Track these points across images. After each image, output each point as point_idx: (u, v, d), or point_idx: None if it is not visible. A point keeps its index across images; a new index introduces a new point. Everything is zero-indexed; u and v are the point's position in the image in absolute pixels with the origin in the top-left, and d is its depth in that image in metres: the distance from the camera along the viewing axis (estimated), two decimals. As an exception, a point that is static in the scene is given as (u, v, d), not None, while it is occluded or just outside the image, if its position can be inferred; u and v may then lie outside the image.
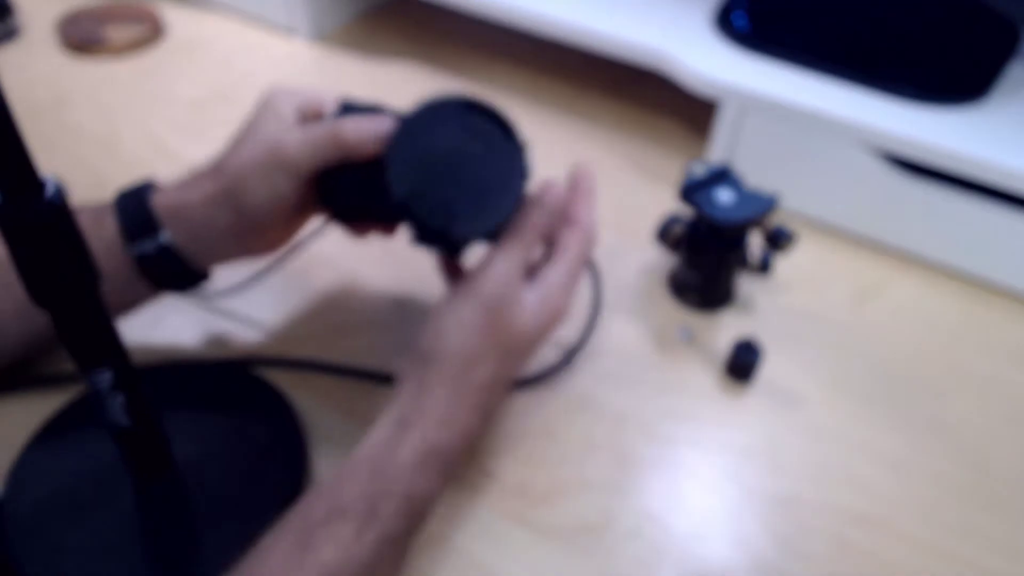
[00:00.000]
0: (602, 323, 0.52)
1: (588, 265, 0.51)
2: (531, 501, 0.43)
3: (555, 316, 0.40)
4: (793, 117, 0.56)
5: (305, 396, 0.47)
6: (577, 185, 0.42)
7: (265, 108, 0.43)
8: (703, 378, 0.49)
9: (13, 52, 0.76)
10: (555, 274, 0.40)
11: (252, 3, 0.81)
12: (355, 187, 0.41)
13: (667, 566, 0.40)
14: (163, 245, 0.42)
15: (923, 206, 0.55)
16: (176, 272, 0.43)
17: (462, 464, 0.41)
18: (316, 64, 0.77)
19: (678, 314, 0.53)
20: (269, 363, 0.48)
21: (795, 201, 0.60)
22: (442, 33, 0.81)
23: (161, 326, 0.51)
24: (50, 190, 0.30)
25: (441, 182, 0.38)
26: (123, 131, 0.67)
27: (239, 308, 0.52)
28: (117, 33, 0.76)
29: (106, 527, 0.40)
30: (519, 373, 0.42)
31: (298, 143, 0.40)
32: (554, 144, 0.68)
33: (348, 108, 0.43)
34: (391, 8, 0.85)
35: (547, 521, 0.42)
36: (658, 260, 0.57)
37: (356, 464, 0.36)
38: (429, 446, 0.36)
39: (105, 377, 0.36)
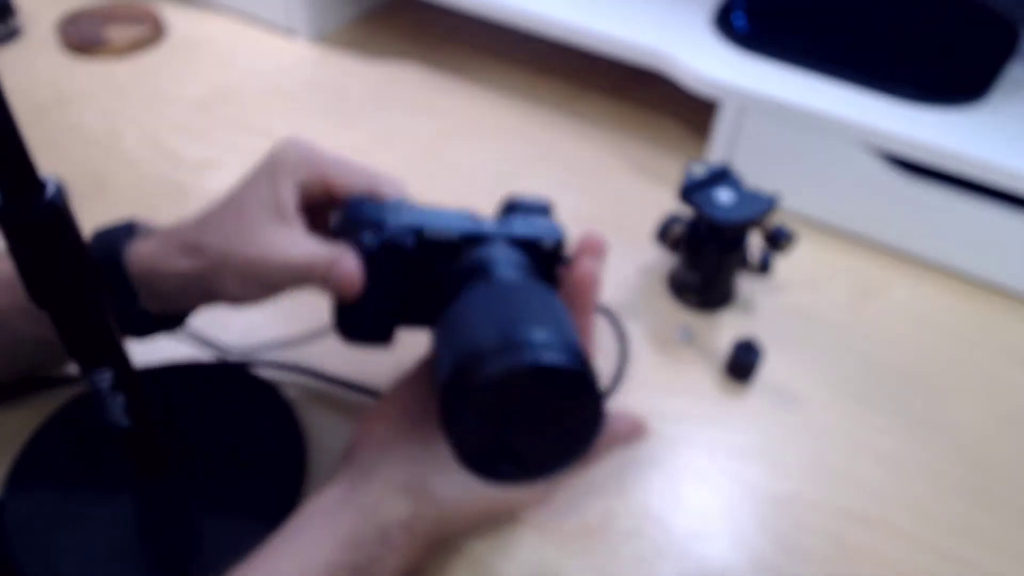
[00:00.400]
0: (602, 323, 0.53)
1: (613, 322, 0.51)
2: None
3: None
4: (793, 117, 0.56)
5: (301, 394, 0.47)
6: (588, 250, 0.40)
7: (266, 175, 0.38)
8: (703, 378, 0.49)
9: (14, 53, 0.76)
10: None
11: (252, 4, 0.81)
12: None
13: (667, 565, 0.40)
14: (140, 310, 0.40)
15: (922, 206, 0.55)
16: (152, 326, 0.42)
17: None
18: (316, 64, 0.77)
19: (678, 314, 0.53)
20: (266, 365, 0.48)
21: (794, 201, 0.60)
22: (442, 33, 0.81)
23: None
24: (50, 190, 0.30)
25: (503, 436, 0.33)
26: (124, 131, 0.67)
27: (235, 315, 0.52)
28: (118, 33, 0.77)
29: (105, 527, 0.40)
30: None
31: (280, 260, 0.37)
32: (554, 145, 0.68)
33: (356, 207, 0.38)
34: (391, 8, 0.85)
35: (546, 520, 0.42)
36: (658, 260, 0.57)
37: (333, 572, 0.34)
38: (406, 567, 0.36)
39: (105, 377, 0.37)
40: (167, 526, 0.41)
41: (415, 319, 0.40)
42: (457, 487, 0.36)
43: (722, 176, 0.50)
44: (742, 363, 0.48)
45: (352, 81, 0.74)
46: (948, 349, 0.52)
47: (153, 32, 0.78)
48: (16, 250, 0.31)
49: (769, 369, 0.50)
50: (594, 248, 0.39)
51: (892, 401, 0.49)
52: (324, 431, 0.45)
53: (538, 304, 0.34)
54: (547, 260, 0.39)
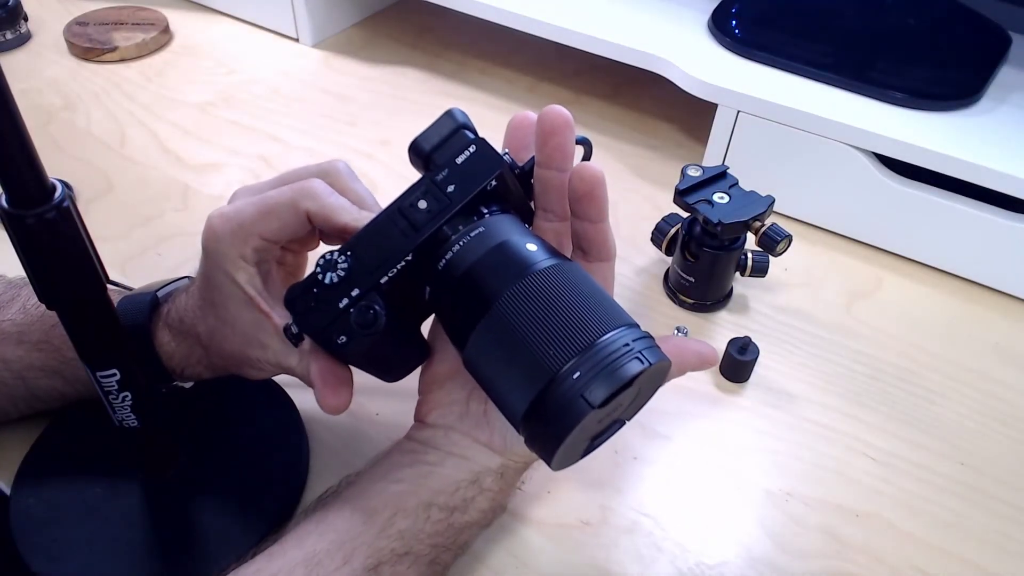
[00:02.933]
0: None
1: None
2: (530, 497, 0.43)
3: None
4: (788, 120, 0.57)
5: (304, 392, 0.47)
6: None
7: (213, 264, 0.36)
8: (699, 377, 0.50)
9: (24, 57, 0.77)
10: None
11: (256, 9, 0.82)
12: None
13: (663, 562, 0.41)
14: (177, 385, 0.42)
15: (915, 208, 0.56)
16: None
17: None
18: (318, 68, 0.78)
19: (675, 315, 0.54)
20: None
21: (790, 203, 0.61)
22: (442, 37, 0.82)
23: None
24: (58, 193, 0.31)
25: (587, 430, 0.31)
26: (130, 134, 0.68)
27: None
28: (125, 38, 0.78)
29: (111, 525, 0.41)
30: None
31: (272, 365, 0.37)
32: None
33: (294, 310, 0.33)
34: (392, 12, 0.86)
35: (545, 517, 0.43)
36: (655, 261, 0.58)
37: (426, 508, 0.36)
38: (496, 508, 0.39)
39: (113, 377, 0.37)
40: (172, 523, 0.42)
41: (412, 342, 0.38)
42: None
43: (719, 178, 0.51)
44: (738, 363, 0.49)
45: (353, 84, 0.75)
46: (940, 349, 0.53)
47: (159, 37, 0.79)
48: (25, 252, 0.32)
49: (764, 368, 0.50)
50: (560, 132, 0.35)
51: (885, 400, 0.49)
52: (327, 430, 0.46)
53: (568, 296, 0.31)
54: (504, 191, 0.35)
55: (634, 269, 0.57)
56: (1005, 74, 0.61)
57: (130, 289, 0.43)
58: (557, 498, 0.43)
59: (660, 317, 0.54)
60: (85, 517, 0.41)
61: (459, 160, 0.35)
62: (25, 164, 0.29)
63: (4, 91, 0.28)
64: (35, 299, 0.34)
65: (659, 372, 0.32)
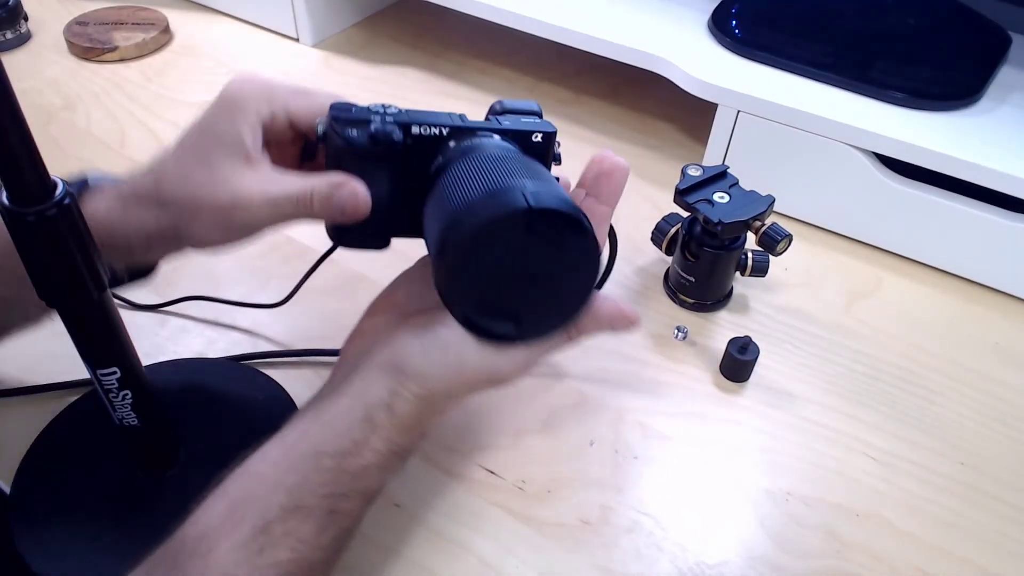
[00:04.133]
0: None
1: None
2: (530, 497, 0.43)
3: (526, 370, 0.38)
4: (788, 120, 0.57)
5: (304, 389, 0.47)
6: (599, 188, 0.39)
7: (226, 116, 0.37)
8: (700, 377, 0.50)
9: (24, 56, 0.77)
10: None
11: (256, 9, 0.82)
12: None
13: (664, 561, 0.41)
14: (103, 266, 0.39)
15: (915, 208, 0.56)
16: (116, 279, 0.40)
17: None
18: (318, 67, 0.78)
19: (675, 314, 0.54)
20: (266, 356, 0.49)
21: (790, 203, 0.61)
22: (442, 37, 0.82)
23: (166, 328, 0.52)
24: (60, 191, 0.31)
25: (510, 295, 0.33)
26: (131, 134, 0.68)
27: (243, 313, 0.53)
28: (125, 38, 0.78)
29: (112, 523, 0.41)
30: None
31: (260, 200, 0.36)
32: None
33: (341, 109, 0.36)
34: (392, 13, 0.86)
35: (546, 517, 0.43)
36: (655, 261, 0.58)
37: (317, 458, 0.34)
38: (396, 449, 0.35)
39: (113, 375, 0.37)
40: (173, 522, 0.41)
41: (409, 226, 0.39)
42: (435, 362, 0.35)
43: (719, 177, 0.51)
44: (738, 362, 0.49)
45: (353, 84, 0.75)
46: (940, 348, 0.53)
47: (159, 37, 0.79)
48: (25, 250, 0.32)
49: (764, 368, 0.50)
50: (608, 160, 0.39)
51: (885, 400, 0.49)
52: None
53: (527, 165, 0.34)
54: (539, 152, 0.38)
55: (634, 269, 0.57)
56: (1005, 74, 0.61)
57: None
58: (557, 498, 0.43)
59: (660, 317, 0.54)
60: (85, 516, 0.41)
61: (522, 118, 0.39)
62: (27, 161, 0.29)
63: (6, 88, 0.28)
64: None
65: (570, 268, 0.33)
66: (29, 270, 0.32)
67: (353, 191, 0.36)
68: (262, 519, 0.32)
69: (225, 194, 0.36)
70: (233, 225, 0.37)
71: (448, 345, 0.35)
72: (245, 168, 0.36)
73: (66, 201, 0.31)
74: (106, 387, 0.38)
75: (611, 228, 0.40)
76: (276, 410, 0.46)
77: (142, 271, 0.43)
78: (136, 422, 0.39)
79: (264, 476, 0.34)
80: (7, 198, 0.30)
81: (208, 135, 0.37)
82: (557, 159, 0.39)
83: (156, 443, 0.42)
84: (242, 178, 0.36)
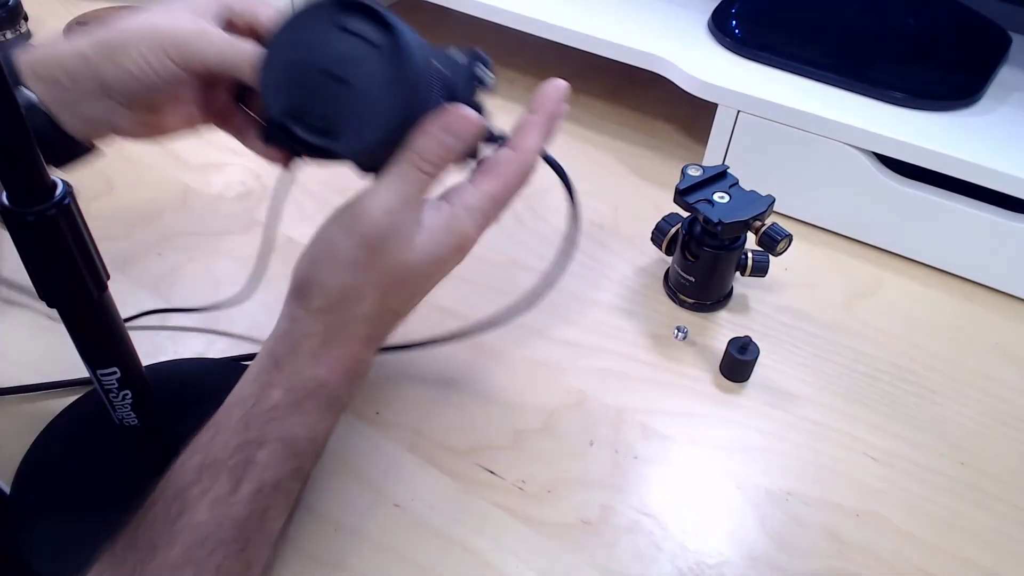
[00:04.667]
0: (600, 321, 0.53)
1: (571, 205, 0.42)
2: (530, 497, 0.43)
3: (459, 246, 0.36)
4: (788, 120, 0.57)
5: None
6: (538, 106, 0.38)
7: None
8: (700, 377, 0.50)
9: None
10: (468, 198, 0.35)
11: (256, 8, 0.82)
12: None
13: (664, 561, 0.41)
14: (29, 103, 0.38)
15: (915, 208, 0.56)
16: (51, 138, 0.40)
17: (350, 401, 0.38)
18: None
19: (675, 314, 0.54)
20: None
21: (790, 203, 0.61)
22: (442, 37, 0.82)
23: (165, 328, 0.52)
24: (60, 191, 0.31)
25: (320, 95, 0.33)
26: (129, 134, 0.68)
27: (237, 318, 0.53)
28: (123, 38, 0.78)
29: (113, 522, 0.41)
30: (412, 306, 0.38)
31: (216, 37, 0.38)
32: (553, 146, 0.68)
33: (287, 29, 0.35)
34: (392, 13, 0.86)
35: (546, 516, 0.43)
36: (655, 261, 0.58)
37: (227, 411, 0.34)
38: (303, 383, 0.34)
39: (113, 375, 0.37)
40: None
41: None
42: (320, 260, 0.35)
43: (719, 177, 0.51)
44: (738, 362, 0.49)
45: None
46: (940, 348, 0.53)
47: None
48: (25, 250, 0.32)
49: (765, 368, 0.50)
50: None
51: (885, 399, 0.49)
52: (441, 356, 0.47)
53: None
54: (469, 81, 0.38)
55: (634, 269, 0.57)
56: (1005, 74, 0.61)
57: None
58: (557, 498, 0.43)
59: (660, 317, 0.54)
60: (86, 516, 0.41)
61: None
62: (26, 161, 0.29)
63: (6, 88, 0.28)
64: None
65: (381, 74, 0.33)
66: (29, 270, 0.32)
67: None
68: (180, 484, 0.33)
69: (165, 26, 0.38)
70: (158, 51, 0.37)
71: (323, 237, 0.35)
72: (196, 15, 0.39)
73: (66, 201, 0.31)
74: (106, 387, 0.38)
75: (553, 161, 0.40)
76: None
77: (72, 147, 0.42)
78: (136, 422, 0.39)
79: (190, 446, 0.34)
80: (7, 198, 0.30)
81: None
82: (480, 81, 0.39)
83: (156, 443, 0.42)
84: (201, 24, 0.38)
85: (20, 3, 0.78)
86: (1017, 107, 0.58)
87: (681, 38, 0.64)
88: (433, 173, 0.35)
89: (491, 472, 0.44)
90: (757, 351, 0.49)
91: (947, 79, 0.60)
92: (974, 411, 0.49)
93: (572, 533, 0.42)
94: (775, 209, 0.51)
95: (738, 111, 0.59)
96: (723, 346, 0.50)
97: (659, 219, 0.54)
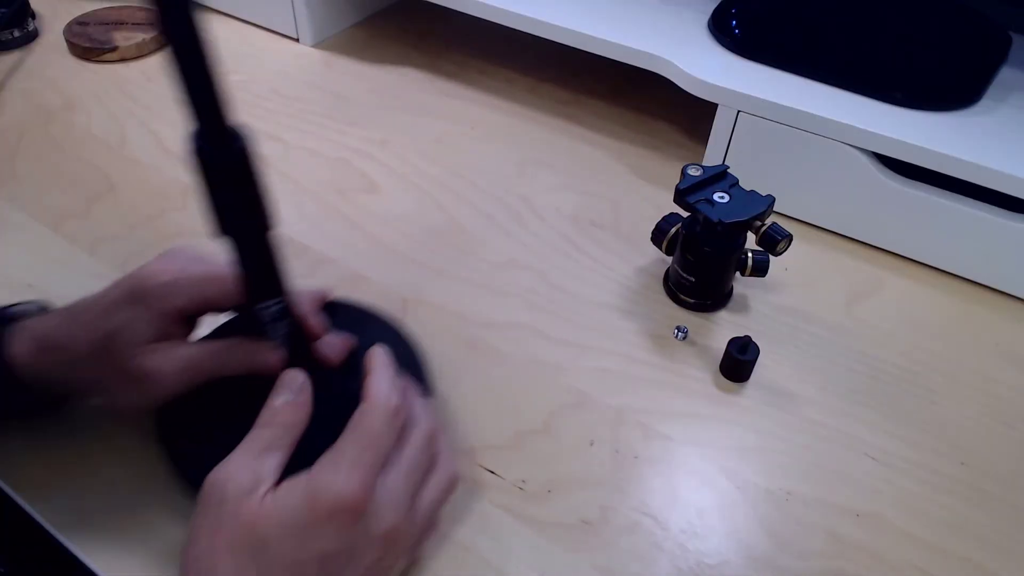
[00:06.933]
0: (600, 321, 0.53)
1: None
2: (530, 497, 0.43)
3: (317, 501, 0.33)
4: (788, 120, 0.57)
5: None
6: (368, 364, 0.39)
7: (134, 306, 0.40)
8: (700, 377, 0.50)
9: (23, 56, 0.77)
10: (330, 455, 0.34)
11: (256, 9, 0.82)
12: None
13: (663, 561, 0.41)
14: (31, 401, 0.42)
15: (915, 208, 0.56)
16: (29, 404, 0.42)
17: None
18: (318, 68, 0.78)
19: (675, 314, 0.54)
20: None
21: (790, 203, 0.61)
22: (443, 37, 0.82)
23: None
24: (242, 135, 0.34)
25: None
26: (131, 134, 0.68)
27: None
28: (125, 38, 0.78)
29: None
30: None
31: (170, 369, 0.40)
32: (553, 147, 0.69)
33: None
34: (392, 13, 0.86)
35: (546, 517, 0.43)
36: (655, 261, 0.58)
37: None
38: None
39: (276, 306, 0.40)
40: (306, 437, 0.40)
41: None
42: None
43: (719, 177, 0.51)
44: (738, 362, 0.49)
45: (353, 84, 0.75)
46: (940, 348, 0.53)
47: (159, 37, 0.79)
48: (209, 186, 0.34)
49: (765, 368, 0.50)
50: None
51: (886, 399, 0.49)
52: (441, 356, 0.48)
53: None
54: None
55: (634, 269, 0.57)
56: (1006, 74, 0.61)
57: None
58: (558, 498, 0.43)
59: (660, 317, 0.54)
60: (226, 427, 0.40)
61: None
62: (217, 106, 0.32)
63: (200, 40, 0.30)
64: None
65: None
66: (212, 207, 0.35)
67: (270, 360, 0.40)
68: None
69: (136, 370, 0.39)
70: (149, 393, 0.40)
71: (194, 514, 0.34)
72: (150, 352, 0.40)
73: (247, 144, 0.34)
74: (266, 319, 0.40)
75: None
76: (403, 348, 0.47)
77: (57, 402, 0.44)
78: (287, 352, 0.41)
79: None
80: (197, 137, 0.33)
81: (116, 326, 0.39)
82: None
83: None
84: (151, 358, 0.39)
85: (27, 1, 0.79)
86: (1018, 107, 0.58)
87: (681, 38, 0.64)
88: (286, 432, 0.37)
89: (491, 472, 0.44)
90: (757, 351, 0.49)
91: (947, 79, 0.59)
92: (974, 411, 0.49)
93: (572, 533, 0.42)
94: (775, 209, 0.51)
95: (738, 111, 0.59)
96: (723, 346, 0.50)
97: (659, 219, 0.54)
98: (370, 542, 0.34)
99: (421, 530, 0.37)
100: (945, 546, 0.42)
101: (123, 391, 0.40)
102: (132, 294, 0.40)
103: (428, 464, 0.38)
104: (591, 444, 0.46)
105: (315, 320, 0.43)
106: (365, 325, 0.49)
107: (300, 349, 0.42)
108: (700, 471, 0.45)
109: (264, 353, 0.40)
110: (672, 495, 0.44)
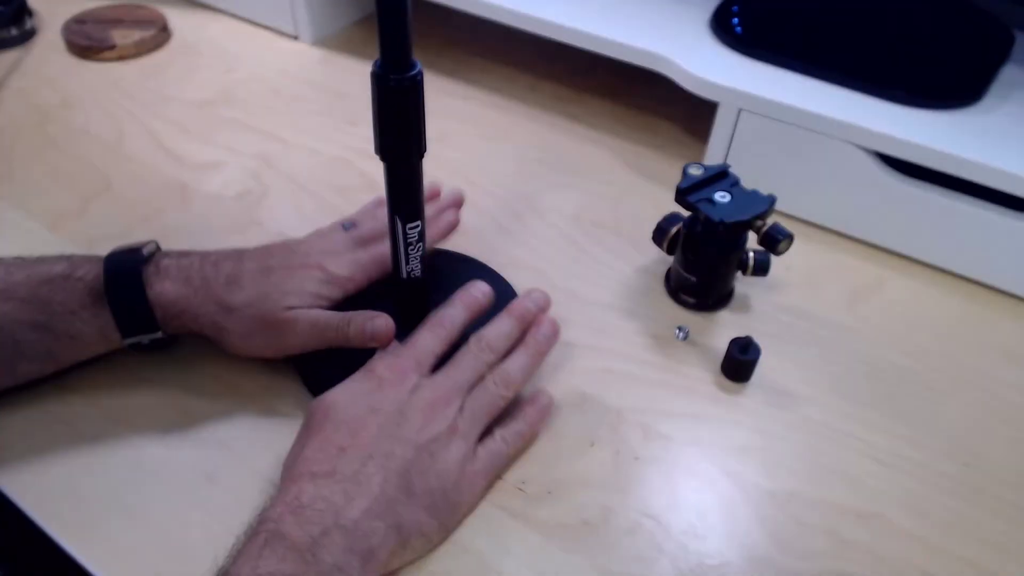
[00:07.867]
0: (601, 321, 0.53)
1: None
2: (531, 498, 0.43)
3: (372, 378, 0.42)
4: (789, 119, 0.57)
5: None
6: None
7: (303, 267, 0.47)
8: (701, 377, 0.50)
9: (21, 55, 0.77)
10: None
11: (255, 7, 0.82)
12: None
13: (665, 562, 0.41)
14: (160, 338, 0.46)
15: (917, 207, 0.56)
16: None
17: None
18: (318, 66, 0.77)
19: (676, 314, 0.54)
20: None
21: (791, 202, 0.60)
22: (443, 36, 0.82)
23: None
24: (418, 67, 0.38)
25: None
26: (129, 132, 0.68)
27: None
28: (123, 36, 0.77)
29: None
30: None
31: (306, 324, 0.45)
32: (554, 146, 0.68)
33: None
34: (393, 11, 0.85)
35: (547, 517, 0.42)
36: (656, 260, 0.58)
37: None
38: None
39: (417, 228, 0.44)
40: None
41: None
42: None
43: (720, 177, 0.51)
44: (739, 362, 0.49)
45: (353, 83, 0.75)
46: (942, 348, 0.53)
47: (158, 35, 0.79)
48: (381, 109, 0.39)
49: (766, 368, 0.50)
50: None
51: (887, 399, 0.49)
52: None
53: None
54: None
55: (635, 268, 0.57)
56: (1008, 72, 0.61)
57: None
58: (558, 498, 0.43)
59: (661, 316, 0.54)
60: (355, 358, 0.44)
61: None
62: (401, 37, 0.37)
63: None
64: (16, 266, 0.43)
65: None
66: (377, 127, 0.40)
67: (387, 322, 0.44)
68: None
69: (284, 316, 0.45)
70: (278, 342, 0.46)
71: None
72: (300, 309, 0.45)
73: (419, 76, 0.38)
74: (408, 240, 0.44)
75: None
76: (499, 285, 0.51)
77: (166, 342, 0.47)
78: (419, 273, 0.46)
79: None
80: (379, 65, 0.38)
81: (289, 281, 0.46)
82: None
83: (430, 294, 0.48)
84: (297, 312, 0.45)
85: (25, 0, 0.78)
86: (1020, 106, 0.58)
87: (682, 37, 0.64)
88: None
89: (491, 473, 0.44)
90: (758, 351, 0.49)
91: (950, 77, 0.59)
92: (977, 411, 0.49)
93: (573, 534, 0.42)
94: (777, 208, 0.51)
95: (739, 110, 0.59)
96: (724, 346, 0.49)
97: (660, 218, 0.54)
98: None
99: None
100: (947, 546, 0.42)
101: (260, 335, 0.45)
102: (319, 271, 0.47)
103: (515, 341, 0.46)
104: (592, 445, 0.46)
105: (452, 215, 0.54)
106: (479, 274, 0.53)
107: (432, 273, 0.47)
108: (701, 472, 0.45)
109: (377, 323, 0.44)
110: (673, 496, 0.44)
